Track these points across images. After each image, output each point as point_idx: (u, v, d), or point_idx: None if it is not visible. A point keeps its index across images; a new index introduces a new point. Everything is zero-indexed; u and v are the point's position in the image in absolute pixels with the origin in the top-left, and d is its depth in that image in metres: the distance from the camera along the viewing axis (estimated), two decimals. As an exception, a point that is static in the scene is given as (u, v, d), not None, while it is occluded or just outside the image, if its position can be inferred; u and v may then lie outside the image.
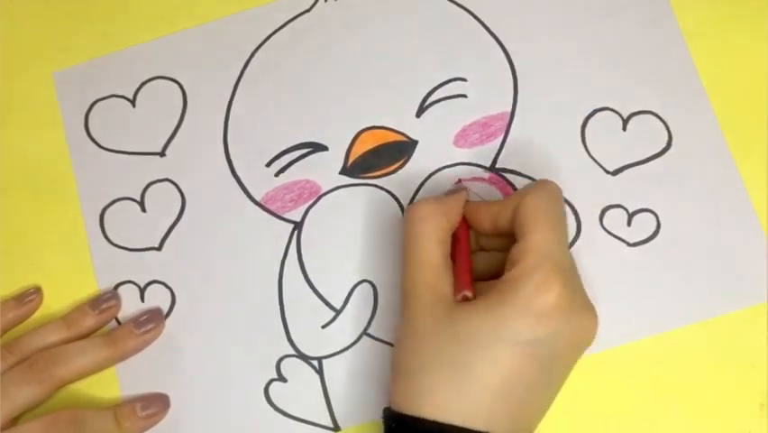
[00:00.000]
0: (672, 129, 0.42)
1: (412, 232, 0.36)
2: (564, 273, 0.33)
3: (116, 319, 0.42)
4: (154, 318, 0.42)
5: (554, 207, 0.35)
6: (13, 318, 0.42)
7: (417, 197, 0.42)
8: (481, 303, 0.33)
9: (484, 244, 0.39)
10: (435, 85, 0.44)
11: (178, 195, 0.44)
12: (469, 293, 0.35)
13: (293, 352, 0.41)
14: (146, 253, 0.43)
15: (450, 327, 0.33)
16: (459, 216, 0.38)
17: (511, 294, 0.33)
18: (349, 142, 0.43)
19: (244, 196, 0.44)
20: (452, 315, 0.34)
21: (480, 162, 0.43)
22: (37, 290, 0.43)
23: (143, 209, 0.44)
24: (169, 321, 0.42)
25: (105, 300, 0.42)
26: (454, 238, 0.37)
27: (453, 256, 0.37)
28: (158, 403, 0.40)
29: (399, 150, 0.43)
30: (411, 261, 0.36)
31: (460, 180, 0.41)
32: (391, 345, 0.41)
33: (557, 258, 0.33)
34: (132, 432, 0.39)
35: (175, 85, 0.46)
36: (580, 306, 0.34)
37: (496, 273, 0.36)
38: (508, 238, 0.36)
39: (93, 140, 0.45)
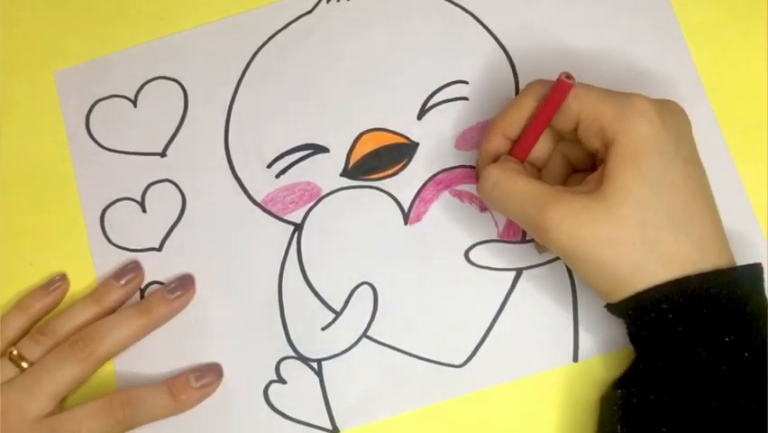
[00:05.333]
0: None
1: (504, 193, 0.36)
2: (628, 96, 0.35)
3: (140, 292, 0.43)
4: (185, 284, 0.42)
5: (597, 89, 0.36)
6: (41, 308, 0.42)
7: (417, 198, 0.42)
8: (616, 167, 0.34)
9: (533, 160, 0.39)
10: (437, 87, 0.44)
11: (179, 195, 0.44)
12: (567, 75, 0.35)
13: (292, 353, 0.41)
14: (146, 253, 0.43)
15: (623, 199, 0.33)
16: (517, 128, 0.38)
17: (628, 140, 0.34)
18: (350, 144, 0.43)
19: (245, 197, 0.44)
20: (608, 194, 0.33)
21: (480, 165, 0.43)
22: (63, 277, 0.43)
23: (144, 210, 0.44)
24: (169, 322, 0.42)
25: (129, 271, 0.42)
26: (521, 148, 0.38)
27: (532, 136, 0.37)
28: (211, 373, 0.41)
29: (400, 152, 0.43)
30: (529, 206, 0.35)
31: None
32: (390, 347, 0.41)
33: (611, 92, 0.35)
34: (188, 404, 0.40)
35: (176, 85, 0.46)
36: (664, 103, 0.35)
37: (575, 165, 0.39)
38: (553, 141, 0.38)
39: (94, 140, 0.45)
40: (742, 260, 0.34)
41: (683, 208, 0.33)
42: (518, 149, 0.38)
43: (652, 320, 0.33)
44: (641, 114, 0.34)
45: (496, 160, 0.39)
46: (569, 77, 0.35)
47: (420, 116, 0.44)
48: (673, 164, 0.34)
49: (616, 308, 0.35)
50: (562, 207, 0.34)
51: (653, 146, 0.33)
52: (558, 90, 0.35)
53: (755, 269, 0.34)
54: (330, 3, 0.46)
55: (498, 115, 0.39)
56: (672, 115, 0.35)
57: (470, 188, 0.42)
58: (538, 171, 0.39)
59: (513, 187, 0.35)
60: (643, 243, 0.33)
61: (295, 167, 0.44)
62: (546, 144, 0.39)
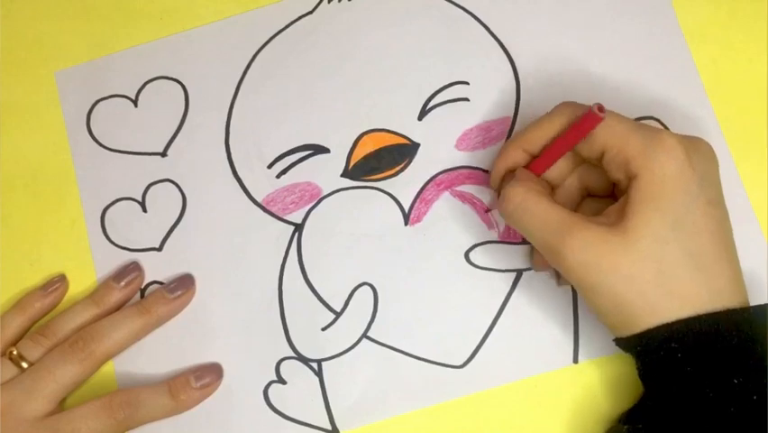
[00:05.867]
0: (674, 135, 0.42)
1: (526, 215, 0.35)
2: (656, 131, 0.34)
3: (140, 292, 0.43)
4: (185, 284, 0.42)
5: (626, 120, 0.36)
6: (40, 308, 0.42)
7: (418, 199, 0.42)
8: (638, 204, 0.33)
9: (550, 180, 0.39)
10: (438, 88, 0.44)
11: (180, 195, 0.44)
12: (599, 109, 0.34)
13: (292, 354, 0.41)
14: (147, 253, 0.43)
15: (642, 238, 0.33)
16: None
17: (652, 178, 0.33)
18: (350, 144, 0.43)
19: (245, 197, 0.44)
20: (629, 229, 0.33)
21: (481, 166, 0.42)
22: (62, 278, 0.43)
23: (144, 210, 0.44)
24: (168, 323, 0.42)
25: (129, 272, 0.42)
26: (540, 165, 0.37)
27: (554, 154, 0.37)
28: (211, 373, 0.41)
29: (401, 153, 0.43)
30: (548, 232, 0.35)
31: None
32: (390, 348, 0.41)
33: (642, 125, 0.35)
34: (189, 404, 0.40)
35: (177, 85, 0.46)
36: (690, 139, 0.35)
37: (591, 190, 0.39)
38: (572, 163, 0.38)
39: (95, 139, 0.45)
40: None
41: (702, 249, 0.33)
42: (536, 165, 0.38)
43: (660, 358, 0.33)
44: (668, 151, 0.33)
45: (512, 170, 0.38)
46: (601, 109, 0.34)
47: (421, 117, 0.44)
48: (696, 205, 0.33)
49: (624, 343, 0.35)
50: (581, 236, 0.34)
51: (677, 185, 0.33)
52: (587, 120, 0.35)
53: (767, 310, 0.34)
54: (331, 3, 0.46)
55: (523, 130, 0.38)
56: (699, 154, 0.34)
57: (470, 188, 0.42)
58: (551, 189, 0.39)
59: (535, 209, 0.35)
60: (657, 280, 0.33)
61: (295, 167, 0.44)
62: (566, 166, 0.38)
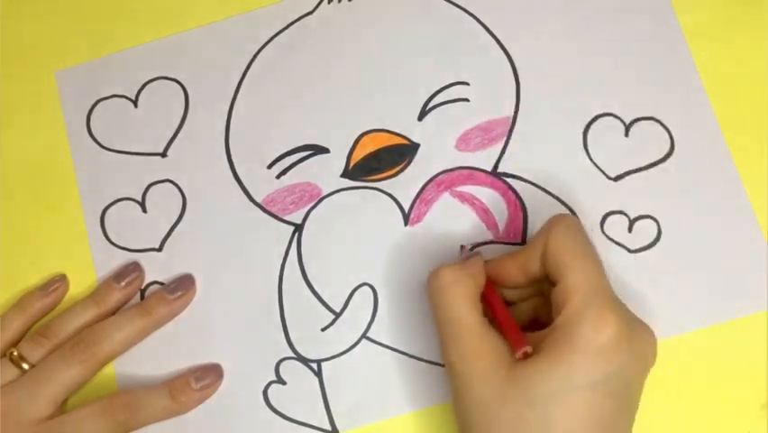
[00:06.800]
0: (674, 135, 0.42)
1: (442, 301, 0.34)
2: (614, 302, 0.32)
3: (140, 292, 0.43)
4: (185, 284, 0.42)
5: (581, 238, 0.34)
6: (41, 308, 0.42)
7: (418, 200, 0.42)
8: (542, 356, 0.32)
9: (507, 297, 0.38)
10: (438, 88, 0.44)
11: (179, 196, 0.44)
12: (529, 348, 0.32)
13: (292, 354, 0.41)
14: (147, 253, 0.43)
15: (518, 391, 0.32)
16: (483, 276, 0.36)
17: (571, 338, 0.31)
18: (350, 144, 0.43)
19: (245, 197, 0.44)
20: (514, 377, 0.32)
21: (481, 167, 0.42)
22: (62, 278, 0.43)
23: (144, 210, 0.44)
24: (168, 323, 0.42)
25: (129, 272, 0.42)
26: (486, 299, 0.36)
27: (492, 315, 0.35)
28: (211, 374, 0.41)
29: (401, 153, 0.43)
30: (450, 332, 0.34)
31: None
32: (390, 348, 0.41)
33: (603, 290, 0.33)
34: (189, 405, 0.40)
35: (177, 85, 0.46)
36: (638, 328, 0.33)
37: (528, 325, 0.36)
38: (531, 288, 0.36)
39: (94, 140, 0.45)
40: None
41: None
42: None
43: None
44: (604, 317, 0.32)
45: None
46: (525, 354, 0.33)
47: (421, 117, 0.44)
48: (592, 390, 0.31)
49: None
50: (481, 365, 0.33)
51: (589, 354, 0.31)
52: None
53: None
54: (331, 3, 0.46)
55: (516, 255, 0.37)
56: (640, 342, 0.33)
57: (470, 189, 0.42)
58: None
59: (455, 305, 0.34)
60: None
61: (295, 168, 0.44)
62: (524, 291, 0.37)
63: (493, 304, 0.36)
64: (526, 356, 0.33)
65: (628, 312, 0.33)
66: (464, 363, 0.33)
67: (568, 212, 0.41)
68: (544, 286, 0.37)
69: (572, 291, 0.32)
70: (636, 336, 0.32)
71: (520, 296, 0.38)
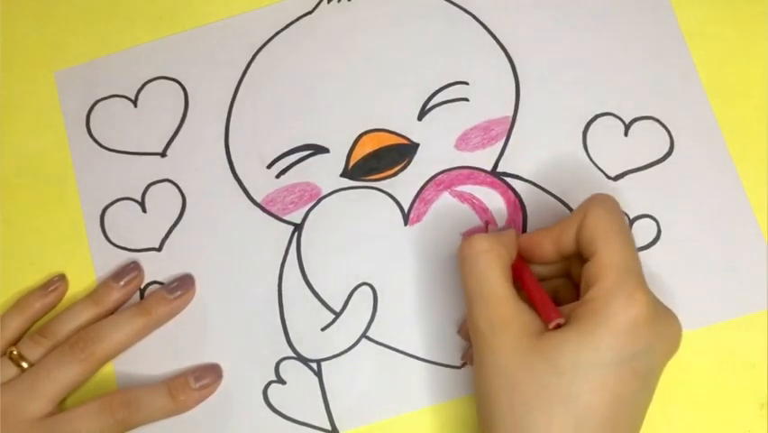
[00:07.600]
0: (673, 135, 0.42)
1: (474, 267, 0.34)
2: (645, 285, 0.33)
3: (140, 292, 0.43)
4: (185, 284, 0.42)
5: (619, 219, 0.34)
6: (40, 308, 0.42)
7: (417, 199, 0.42)
8: (572, 329, 0.32)
9: (538, 273, 0.38)
10: (437, 88, 0.44)
11: (179, 196, 0.44)
12: (561, 320, 0.33)
13: (292, 354, 0.41)
14: (146, 253, 0.43)
15: (545, 360, 0.32)
16: (515, 249, 0.36)
17: (602, 313, 0.31)
18: (350, 144, 0.43)
19: (245, 197, 0.44)
20: (543, 346, 0.32)
21: (481, 166, 0.42)
22: (61, 278, 0.43)
23: (144, 210, 0.44)
24: (168, 323, 0.42)
25: (128, 272, 0.42)
26: (516, 272, 0.36)
27: (522, 288, 0.35)
28: (211, 373, 0.41)
29: (401, 153, 0.43)
30: (480, 297, 0.34)
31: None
32: (390, 348, 0.41)
33: (636, 269, 0.33)
34: (188, 405, 0.40)
35: (177, 85, 0.46)
36: (665, 312, 0.33)
37: (559, 300, 0.36)
38: (556, 268, 0.37)
39: (94, 140, 0.45)
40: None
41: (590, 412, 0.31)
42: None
43: None
44: (633, 296, 0.32)
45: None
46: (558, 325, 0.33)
47: (420, 117, 0.44)
48: (621, 365, 0.31)
49: None
50: (513, 334, 0.33)
51: (619, 332, 0.31)
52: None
53: None
54: (331, 3, 0.46)
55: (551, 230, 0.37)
56: (667, 326, 0.33)
57: (470, 188, 0.42)
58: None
59: (489, 274, 0.34)
60: (511, 412, 0.32)
61: (295, 167, 0.44)
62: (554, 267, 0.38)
63: (524, 276, 0.36)
64: (558, 327, 0.33)
65: (656, 298, 0.34)
66: (492, 330, 0.33)
67: (568, 211, 0.41)
68: (573, 264, 0.37)
69: (607, 267, 0.33)
70: (664, 321, 0.33)
71: (544, 275, 0.38)
